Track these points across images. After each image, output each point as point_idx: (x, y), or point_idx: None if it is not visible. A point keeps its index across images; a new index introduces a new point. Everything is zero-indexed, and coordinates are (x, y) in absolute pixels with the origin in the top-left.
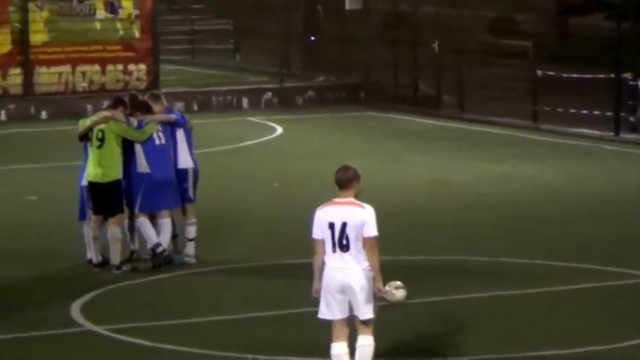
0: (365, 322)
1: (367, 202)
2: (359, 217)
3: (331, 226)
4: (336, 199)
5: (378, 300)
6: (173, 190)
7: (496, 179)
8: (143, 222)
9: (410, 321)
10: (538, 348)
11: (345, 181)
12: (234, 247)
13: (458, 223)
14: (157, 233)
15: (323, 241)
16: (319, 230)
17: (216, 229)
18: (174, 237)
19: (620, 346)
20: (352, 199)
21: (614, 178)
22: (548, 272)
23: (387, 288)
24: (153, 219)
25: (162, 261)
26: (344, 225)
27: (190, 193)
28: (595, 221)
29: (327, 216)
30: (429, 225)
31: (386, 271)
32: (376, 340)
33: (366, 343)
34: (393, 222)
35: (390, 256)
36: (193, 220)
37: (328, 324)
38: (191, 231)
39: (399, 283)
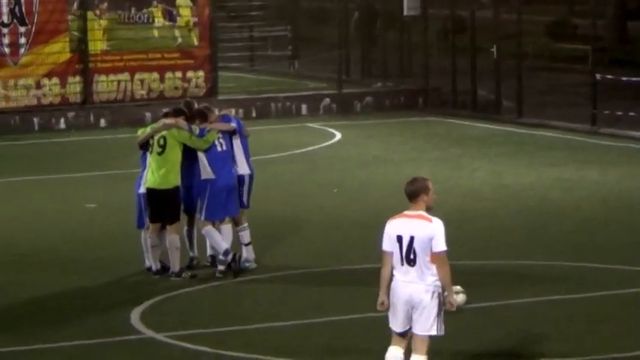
0: (422, 339)
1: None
2: (426, 231)
3: (399, 239)
4: (406, 212)
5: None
6: (236, 196)
7: (558, 184)
8: (210, 231)
9: (468, 325)
10: (604, 351)
11: (412, 193)
12: (293, 253)
13: (521, 227)
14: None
15: (391, 254)
16: (388, 242)
17: (276, 235)
18: (247, 244)
19: None
20: (422, 213)
21: None
22: (615, 276)
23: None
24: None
25: (239, 266)
26: (412, 239)
27: (245, 199)
28: None
29: (395, 229)
30: (490, 229)
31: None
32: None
33: None
34: (454, 227)
35: (451, 260)
36: (245, 224)
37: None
38: (245, 236)
39: (459, 287)
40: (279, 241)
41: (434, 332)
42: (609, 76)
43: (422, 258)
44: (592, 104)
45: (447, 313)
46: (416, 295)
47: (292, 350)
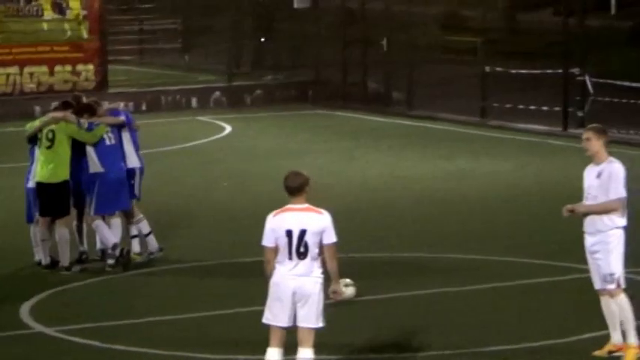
0: (310, 332)
1: (323, 201)
2: (319, 224)
3: (289, 233)
4: (291, 206)
5: (327, 298)
6: (126, 190)
7: (449, 175)
8: (99, 225)
9: (362, 317)
10: (496, 343)
11: (298, 187)
12: (184, 247)
13: (414, 219)
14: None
15: (275, 249)
16: (272, 237)
17: (166, 228)
18: (134, 237)
19: (577, 339)
20: (309, 206)
21: (563, 174)
22: (503, 268)
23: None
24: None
25: (128, 260)
26: (302, 232)
27: (136, 191)
28: (548, 217)
29: (284, 223)
30: (386, 222)
31: (341, 268)
32: (332, 337)
33: (306, 356)
34: (346, 219)
35: (342, 252)
36: (141, 215)
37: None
38: (144, 226)
39: (348, 280)
40: (169, 235)
41: (321, 324)
42: (499, 68)
43: (312, 251)
44: (482, 96)
45: (336, 304)
46: (305, 289)
47: (183, 343)
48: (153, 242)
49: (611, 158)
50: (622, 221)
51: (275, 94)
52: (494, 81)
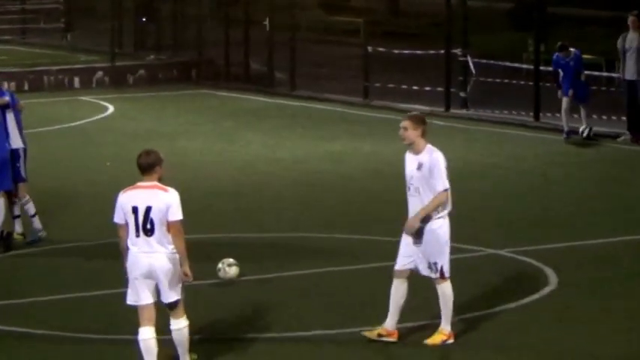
0: (171, 306)
1: (203, 182)
2: (163, 201)
3: (135, 210)
4: (140, 183)
5: (184, 281)
6: (9, 170)
7: (331, 156)
8: None
9: (244, 297)
10: (375, 322)
11: (148, 166)
12: (65, 227)
13: (295, 200)
14: None
15: (125, 225)
16: (122, 214)
17: (48, 209)
18: (16, 217)
19: (459, 319)
20: (156, 183)
21: (447, 155)
22: (386, 248)
23: (219, 265)
24: None
25: (10, 241)
26: (148, 209)
27: (22, 172)
28: None
29: (130, 200)
30: (265, 203)
31: (221, 248)
32: (214, 317)
33: (179, 325)
34: (228, 200)
35: (224, 233)
36: (27, 197)
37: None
38: (30, 208)
39: (232, 260)
40: (51, 216)
41: (178, 297)
42: (381, 49)
43: (159, 228)
44: (364, 77)
45: (220, 284)
46: (158, 264)
47: (64, 323)
48: (37, 224)
49: (430, 147)
50: (446, 209)
51: (158, 75)
52: (377, 61)
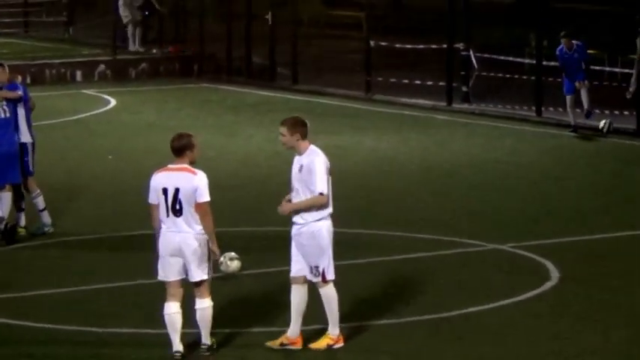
0: (197, 285)
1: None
2: (191, 183)
3: (165, 191)
4: (171, 165)
5: (213, 265)
6: (17, 164)
7: (333, 150)
8: None
9: (246, 291)
10: (378, 317)
11: (180, 149)
12: (68, 221)
13: None
14: None
15: (157, 206)
16: (154, 195)
17: (50, 202)
18: (21, 210)
19: (460, 313)
20: (186, 166)
21: (446, 148)
22: (385, 242)
23: (221, 259)
24: None
25: (14, 234)
26: (177, 191)
27: (31, 166)
28: (430, 191)
29: (160, 182)
30: (266, 197)
31: (222, 242)
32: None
33: (203, 305)
34: (229, 194)
35: (226, 227)
36: (38, 191)
37: (164, 293)
38: (40, 202)
39: (233, 254)
40: (53, 209)
41: (206, 276)
42: (383, 43)
43: (187, 209)
44: (366, 71)
45: (224, 278)
46: (185, 243)
47: (65, 317)
48: (46, 218)
49: (312, 150)
50: (327, 211)
51: (160, 68)
52: (379, 56)
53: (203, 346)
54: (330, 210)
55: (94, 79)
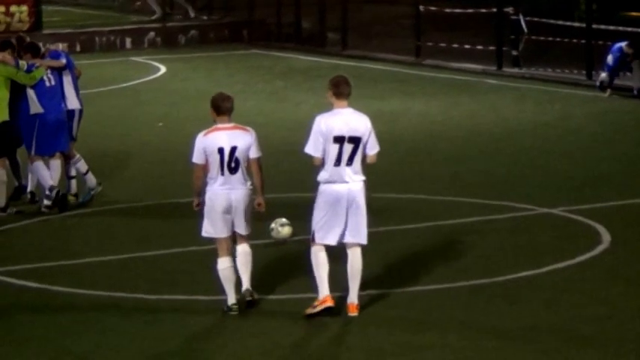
0: (245, 236)
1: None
2: (246, 140)
3: (220, 150)
4: (220, 125)
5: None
6: (66, 131)
7: (383, 116)
8: (39, 166)
9: (297, 257)
10: (429, 282)
11: (230, 109)
12: (119, 188)
13: None
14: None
15: (203, 166)
16: (203, 155)
17: (101, 170)
18: (71, 177)
19: (512, 278)
20: (236, 124)
21: (498, 113)
22: (435, 207)
23: (272, 225)
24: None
25: (65, 202)
26: (233, 149)
27: (74, 132)
28: (481, 156)
29: (215, 141)
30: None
31: (273, 209)
32: (263, 277)
33: (246, 249)
34: (280, 160)
35: (277, 193)
36: (78, 156)
37: (215, 261)
38: (82, 166)
39: (284, 220)
40: (104, 176)
41: (249, 230)
42: (432, 8)
43: (241, 165)
44: (416, 36)
45: (274, 244)
46: (238, 200)
47: (119, 284)
48: (91, 179)
49: (332, 111)
50: (322, 175)
51: (209, 35)
52: (428, 20)
53: (247, 290)
54: (325, 175)
55: (143, 46)
